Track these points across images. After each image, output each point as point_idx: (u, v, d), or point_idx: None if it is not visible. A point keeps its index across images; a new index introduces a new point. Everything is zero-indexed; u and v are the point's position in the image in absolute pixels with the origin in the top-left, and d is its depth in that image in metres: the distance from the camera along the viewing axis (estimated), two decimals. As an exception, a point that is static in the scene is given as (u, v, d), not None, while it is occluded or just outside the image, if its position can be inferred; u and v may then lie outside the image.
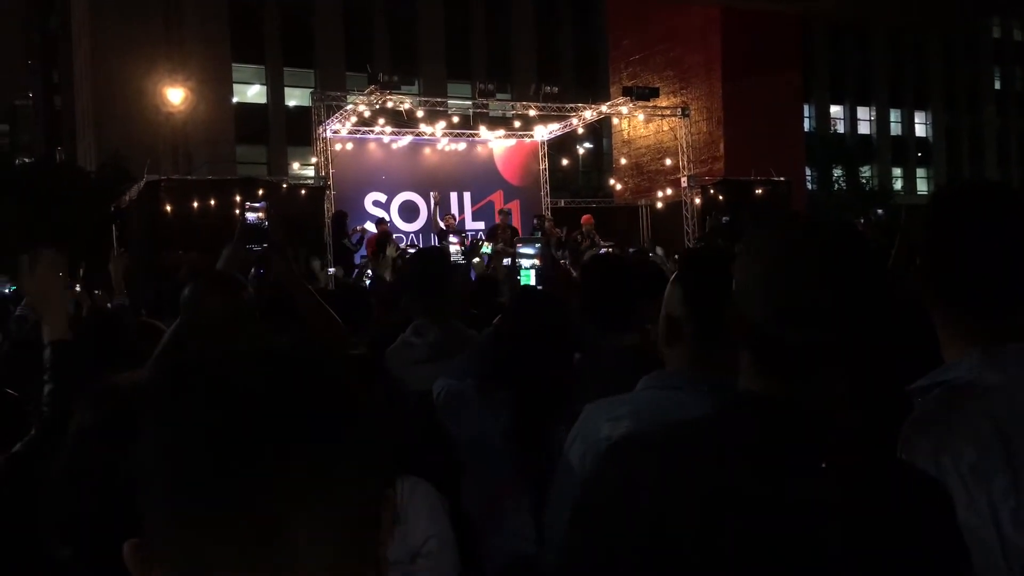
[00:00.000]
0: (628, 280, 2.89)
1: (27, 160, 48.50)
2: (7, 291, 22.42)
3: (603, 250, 13.48)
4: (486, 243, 13.96)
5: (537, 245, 2.76)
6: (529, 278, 2.73)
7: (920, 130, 50.84)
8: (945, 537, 1.09)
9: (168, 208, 14.28)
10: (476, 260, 10.38)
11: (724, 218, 5.85)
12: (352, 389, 0.72)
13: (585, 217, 15.57)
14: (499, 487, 2.34)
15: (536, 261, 2.77)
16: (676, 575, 1.09)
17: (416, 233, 16.50)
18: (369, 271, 12.60)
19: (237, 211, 13.85)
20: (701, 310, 1.73)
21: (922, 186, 50.41)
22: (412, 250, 13.38)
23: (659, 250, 12.01)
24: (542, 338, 2.42)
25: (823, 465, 1.10)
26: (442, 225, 14.38)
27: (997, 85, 52.38)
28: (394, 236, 14.84)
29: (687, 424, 1.23)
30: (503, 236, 13.50)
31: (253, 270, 3.04)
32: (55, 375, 2.13)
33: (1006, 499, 1.20)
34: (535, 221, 15.67)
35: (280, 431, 0.65)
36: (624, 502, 1.13)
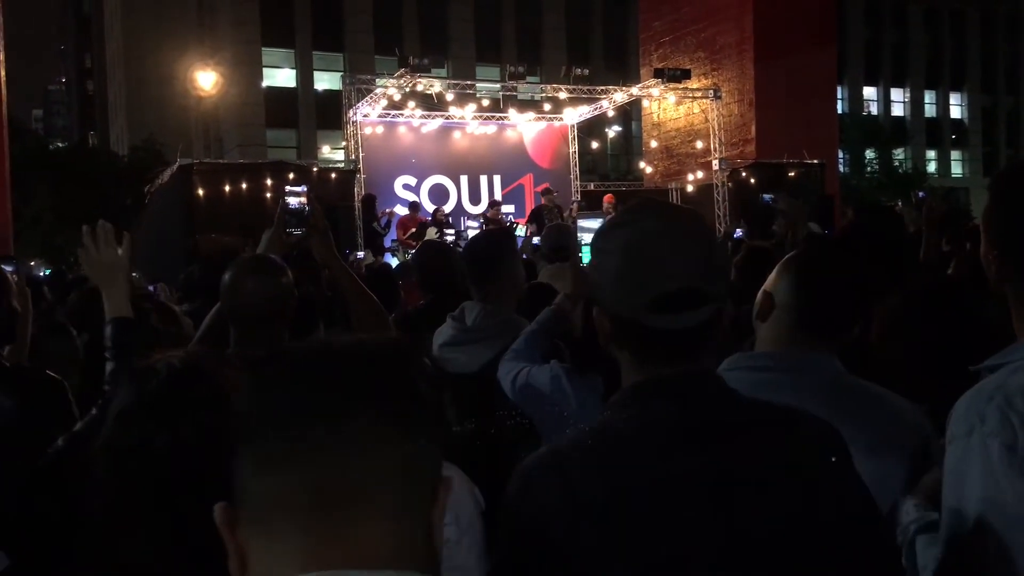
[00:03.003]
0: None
1: (61, 144, 49.14)
2: (43, 274, 22.83)
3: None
4: (520, 226, 13.92)
5: (600, 219, 2.70)
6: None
7: (955, 112, 49.95)
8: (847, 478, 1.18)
9: (200, 192, 14.40)
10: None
11: (767, 197, 5.77)
12: (413, 375, 0.79)
13: (607, 197, 15.52)
14: None
15: None
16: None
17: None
18: (409, 253, 12.62)
19: (268, 195, 13.95)
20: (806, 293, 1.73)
21: (957, 169, 49.60)
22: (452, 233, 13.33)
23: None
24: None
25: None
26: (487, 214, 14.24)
27: (1036, 65, 51.32)
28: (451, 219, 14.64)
29: (595, 430, 1.21)
30: (550, 216, 13.39)
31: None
32: (117, 353, 2.14)
33: None
34: (573, 203, 15.56)
35: (359, 401, 0.74)
36: (537, 530, 1.12)
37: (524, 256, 8.99)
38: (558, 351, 2.57)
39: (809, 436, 1.19)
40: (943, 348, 1.77)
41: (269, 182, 14.29)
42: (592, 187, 19.34)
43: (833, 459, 1.18)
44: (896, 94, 48.07)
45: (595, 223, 2.83)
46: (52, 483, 1.74)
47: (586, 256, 2.65)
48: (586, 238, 2.33)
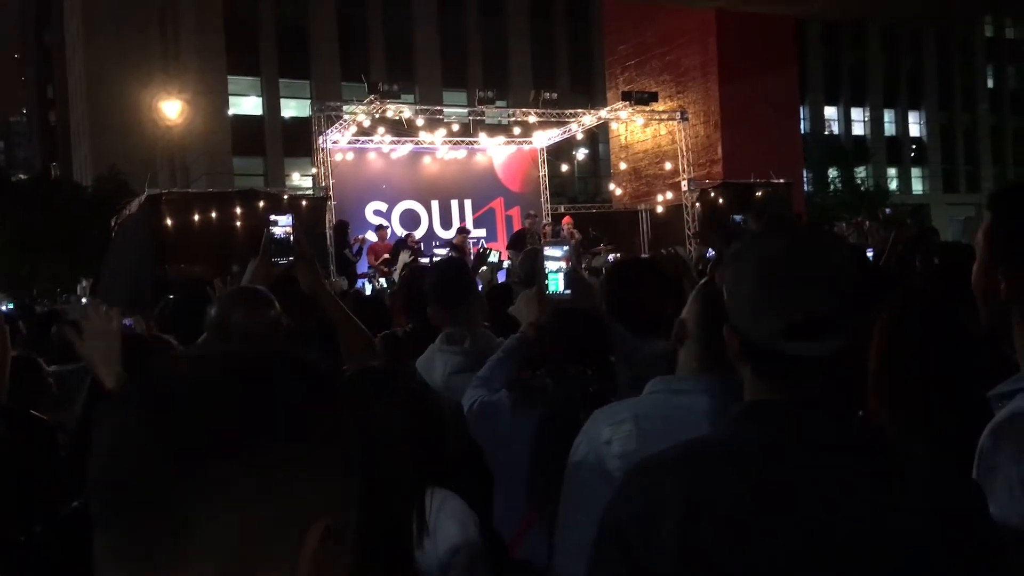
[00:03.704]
0: (653, 284, 2.88)
1: (23, 176, 48.47)
2: (4, 308, 22.37)
3: (609, 255, 13.48)
4: (491, 251, 13.94)
5: (565, 247, 2.71)
6: (557, 282, 2.68)
7: (914, 130, 50.94)
8: (981, 534, 1.12)
9: (169, 221, 14.25)
10: (483, 269, 10.38)
11: (736, 217, 5.85)
12: (263, 408, 0.69)
13: (566, 219, 15.60)
14: (529, 501, 2.32)
15: (563, 264, 2.72)
16: None
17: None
18: (382, 280, 12.59)
19: (238, 224, 13.84)
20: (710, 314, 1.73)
21: (917, 186, 50.49)
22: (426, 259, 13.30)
23: (683, 249, 11.91)
24: (578, 353, 2.41)
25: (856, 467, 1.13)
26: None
27: (990, 84, 52.51)
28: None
29: (703, 442, 1.23)
30: (532, 241, 13.46)
31: None
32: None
33: None
34: (546, 226, 15.60)
35: (175, 462, 0.66)
36: (650, 528, 1.13)
37: (503, 280, 8.98)
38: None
39: (931, 483, 1.15)
40: (942, 368, 1.79)
41: (239, 210, 14.18)
42: (562, 209, 19.45)
43: (954, 515, 1.13)
44: (856, 113, 48.94)
45: (559, 251, 2.87)
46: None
47: (553, 284, 2.70)
48: (551, 265, 2.38)
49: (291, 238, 2.68)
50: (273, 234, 2.67)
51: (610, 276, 3.18)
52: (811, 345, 1.14)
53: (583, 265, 11.12)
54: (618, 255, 13.30)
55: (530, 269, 4.84)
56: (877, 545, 1.09)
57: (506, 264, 12.88)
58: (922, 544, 1.10)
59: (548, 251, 2.80)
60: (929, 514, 1.11)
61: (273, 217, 2.70)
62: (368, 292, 12.36)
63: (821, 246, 1.20)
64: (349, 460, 0.73)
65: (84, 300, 24.06)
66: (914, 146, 50.48)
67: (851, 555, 1.09)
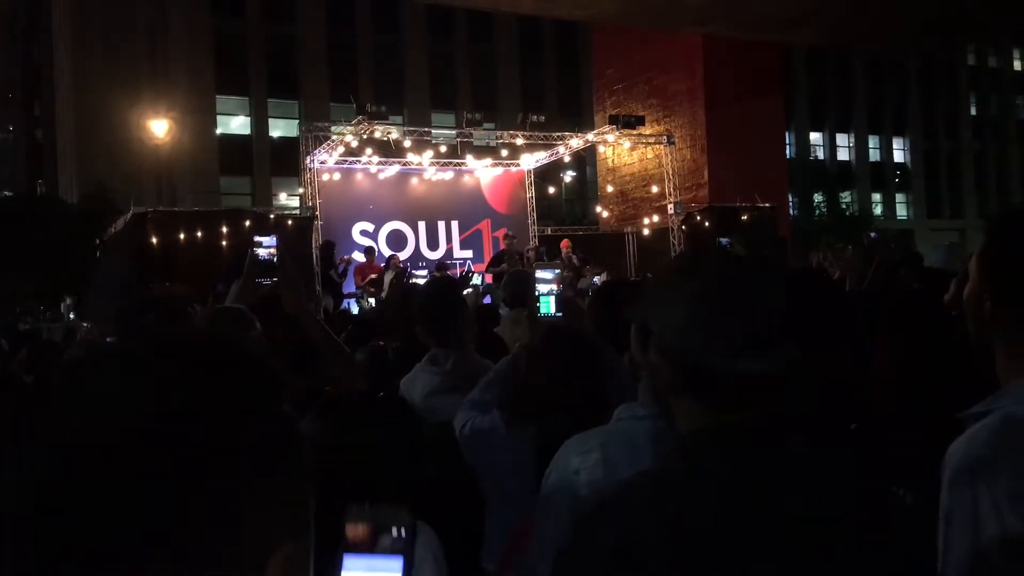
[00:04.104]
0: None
1: (7, 194, 48.22)
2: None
3: (595, 277, 13.50)
4: (475, 274, 13.97)
5: (556, 270, 2.71)
6: (549, 304, 2.68)
7: (899, 156, 51.48)
8: (916, 555, 1.16)
9: (155, 240, 14.19)
10: (468, 291, 10.38)
11: (724, 240, 5.92)
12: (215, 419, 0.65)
13: (564, 242, 15.68)
14: (521, 523, 2.30)
15: (554, 286, 2.73)
16: None
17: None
18: (371, 300, 12.58)
19: (224, 243, 13.79)
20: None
21: (902, 211, 50.97)
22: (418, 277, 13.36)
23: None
24: (574, 379, 2.40)
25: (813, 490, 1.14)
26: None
27: (973, 111, 53.20)
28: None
29: (657, 475, 1.23)
30: (511, 262, 13.49)
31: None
32: None
33: None
34: (529, 250, 15.65)
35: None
36: (608, 565, 1.12)
37: (487, 300, 8.98)
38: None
39: (870, 499, 1.19)
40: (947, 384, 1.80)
41: (225, 230, 14.14)
42: (549, 231, 19.51)
43: (894, 527, 1.16)
44: (841, 139, 49.45)
45: (550, 273, 2.85)
46: None
47: (544, 306, 2.70)
48: (542, 288, 2.36)
49: (275, 259, 2.68)
50: (257, 255, 2.67)
51: (596, 298, 3.18)
52: (745, 363, 1.15)
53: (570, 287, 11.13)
54: (605, 277, 13.34)
55: (515, 290, 4.85)
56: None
57: (487, 284, 12.93)
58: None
59: (540, 274, 2.80)
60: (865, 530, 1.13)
61: (257, 238, 2.70)
62: (355, 312, 12.33)
63: (749, 274, 1.23)
64: (306, 482, 0.71)
65: (71, 317, 23.91)
66: (898, 172, 51.00)
67: None
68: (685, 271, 1.27)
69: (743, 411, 1.18)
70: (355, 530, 0.73)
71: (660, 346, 1.24)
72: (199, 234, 14.20)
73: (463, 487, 2.51)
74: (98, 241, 19.21)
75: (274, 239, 2.68)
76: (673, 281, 1.26)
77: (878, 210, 48.54)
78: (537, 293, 2.65)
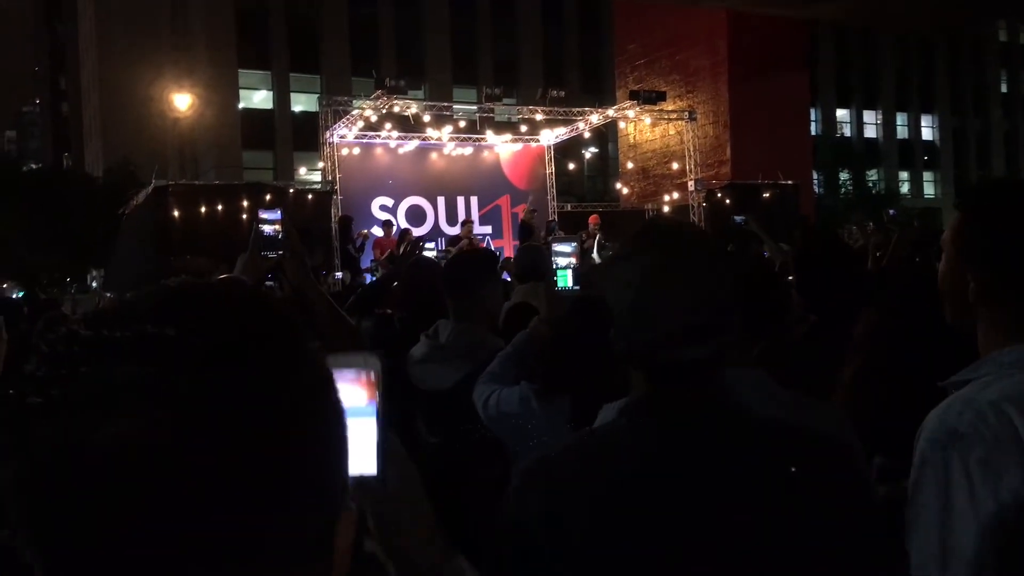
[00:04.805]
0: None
1: (34, 166, 48.71)
2: (15, 296, 22.54)
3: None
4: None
5: (573, 244, 2.70)
6: (566, 278, 2.68)
7: (927, 133, 50.75)
8: (854, 494, 1.18)
9: (176, 213, 14.32)
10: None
11: (739, 218, 5.85)
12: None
13: (592, 217, 15.66)
14: None
15: (573, 260, 2.72)
16: None
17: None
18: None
19: (244, 217, 13.88)
20: None
21: (929, 189, 50.32)
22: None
23: None
24: (599, 344, 2.39)
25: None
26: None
27: (1004, 88, 52.27)
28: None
29: (592, 435, 1.26)
30: (538, 235, 13.56)
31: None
32: None
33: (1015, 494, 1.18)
34: (547, 224, 15.67)
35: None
36: (539, 527, 1.14)
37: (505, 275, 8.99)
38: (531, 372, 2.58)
39: (814, 454, 1.20)
40: (913, 363, 1.79)
41: (245, 203, 14.23)
42: (569, 208, 19.44)
43: (837, 478, 1.19)
44: (868, 116, 48.79)
45: (568, 247, 2.84)
46: None
47: (561, 280, 2.69)
48: (560, 261, 2.35)
49: (279, 234, 2.69)
50: (262, 230, 2.68)
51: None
52: (685, 351, 1.18)
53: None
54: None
55: (526, 263, 4.84)
56: (775, 533, 1.12)
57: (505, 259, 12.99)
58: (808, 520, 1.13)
59: (557, 247, 2.79)
60: (807, 487, 1.15)
61: (262, 214, 2.70)
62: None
63: (699, 256, 1.23)
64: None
65: (94, 286, 24.20)
66: (926, 150, 50.31)
67: (750, 543, 1.11)
68: (638, 246, 1.27)
69: (678, 386, 1.20)
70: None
71: (614, 326, 1.26)
72: (219, 207, 14.30)
73: (438, 450, 2.53)
74: (121, 214, 19.37)
75: (279, 213, 2.68)
76: (626, 254, 1.27)
77: (905, 188, 47.96)
78: (555, 267, 2.65)
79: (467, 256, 3.60)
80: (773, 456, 1.17)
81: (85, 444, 0.49)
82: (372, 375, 0.74)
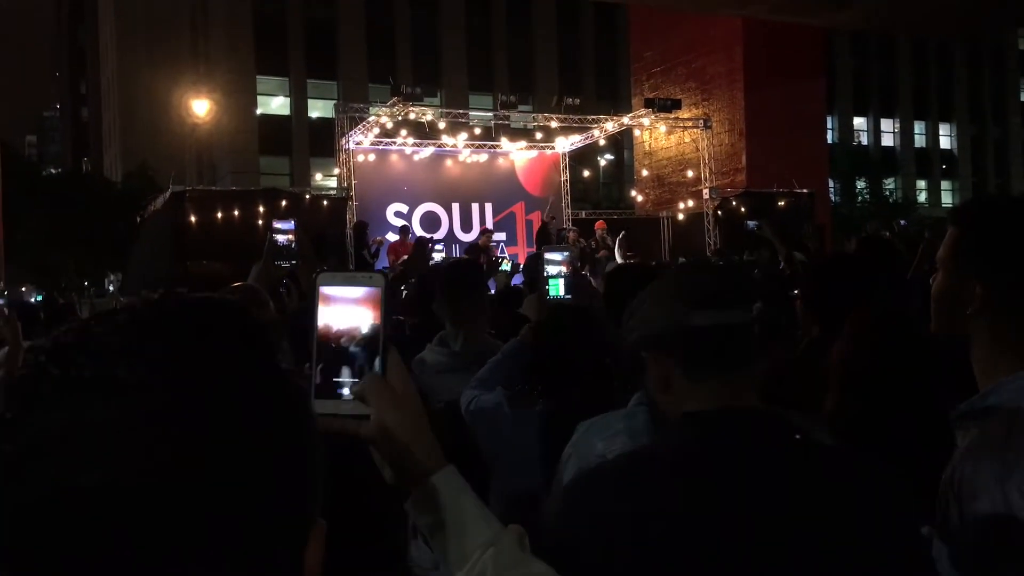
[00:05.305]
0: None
1: (54, 171, 49.18)
2: (34, 300, 22.76)
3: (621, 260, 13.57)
4: (506, 261, 14.10)
5: (566, 252, 2.73)
6: (558, 287, 2.70)
7: (945, 142, 50.43)
8: (904, 531, 1.17)
9: (192, 218, 14.41)
10: (498, 275, 10.46)
11: (752, 223, 5.86)
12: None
13: (599, 223, 15.68)
14: (527, 501, 2.34)
15: (564, 268, 2.75)
16: None
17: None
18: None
19: (260, 222, 13.96)
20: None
21: (947, 198, 49.96)
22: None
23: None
24: (576, 353, 2.42)
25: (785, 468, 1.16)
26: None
27: (1023, 97, 51.88)
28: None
29: (637, 453, 1.28)
30: (551, 241, 13.63)
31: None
32: None
33: None
34: (558, 232, 15.70)
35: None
36: (589, 536, 1.15)
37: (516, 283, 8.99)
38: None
39: (860, 484, 1.19)
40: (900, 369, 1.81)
41: (261, 209, 14.31)
42: (584, 215, 19.45)
43: (893, 508, 1.17)
44: (886, 124, 48.53)
45: (559, 255, 2.88)
46: None
47: (553, 288, 2.71)
48: (551, 270, 2.41)
49: (292, 243, 2.74)
50: (276, 240, 2.72)
51: (608, 279, 3.20)
52: (714, 313, 1.19)
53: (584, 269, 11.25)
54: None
55: (534, 272, 4.89)
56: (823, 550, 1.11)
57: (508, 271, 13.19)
58: (853, 540, 1.13)
59: (548, 255, 2.81)
60: (861, 510, 1.14)
61: (276, 224, 2.76)
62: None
63: (717, 270, 1.30)
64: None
65: (111, 290, 24.40)
66: (944, 158, 49.98)
67: (798, 557, 1.10)
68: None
69: (724, 371, 1.21)
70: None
71: (643, 338, 1.27)
72: (236, 213, 14.39)
73: (467, 463, 2.54)
74: (138, 219, 19.54)
75: (292, 223, 2.73)
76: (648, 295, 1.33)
77: (922, 197, 47.65)
78: (546, 275, 2.67)
79: (463, 264, 3.65)
80: (832, 480, 1.16)
81: (57, 491, 0.50)
82: (378, 292, 0.90)
